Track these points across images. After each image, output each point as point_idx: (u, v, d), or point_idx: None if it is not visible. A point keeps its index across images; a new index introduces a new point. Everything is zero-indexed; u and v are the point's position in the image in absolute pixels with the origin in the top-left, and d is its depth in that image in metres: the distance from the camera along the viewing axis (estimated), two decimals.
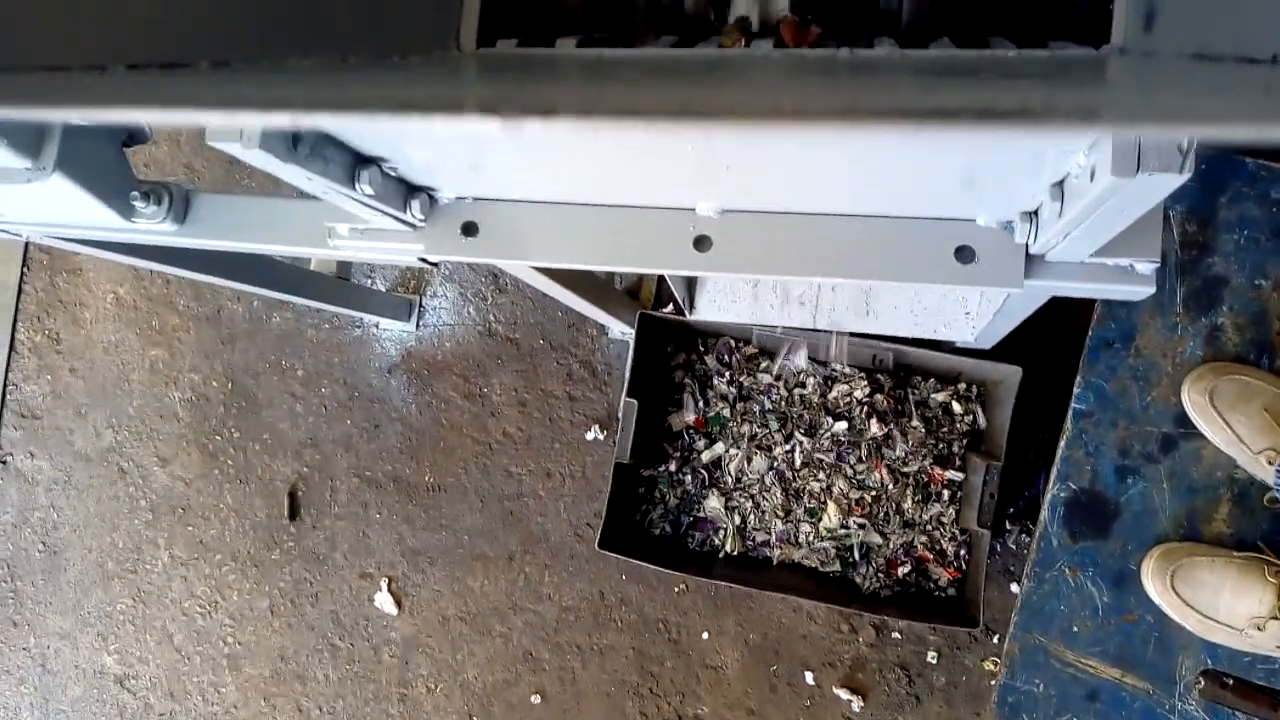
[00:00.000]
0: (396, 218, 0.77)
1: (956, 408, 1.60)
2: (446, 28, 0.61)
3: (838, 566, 1.61)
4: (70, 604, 1.98)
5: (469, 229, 0.78)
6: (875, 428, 1.57)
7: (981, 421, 1.59)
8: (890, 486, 1.58)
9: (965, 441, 1.59)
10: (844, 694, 1.66)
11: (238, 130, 0.50)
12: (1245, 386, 1.23)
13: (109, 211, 0.89)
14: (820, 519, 1.60)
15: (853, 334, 1.49)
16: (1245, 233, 1.27)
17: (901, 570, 1.59)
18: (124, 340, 1.99)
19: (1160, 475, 1.28)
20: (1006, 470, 1.47)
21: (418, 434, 1.86)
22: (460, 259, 0.80)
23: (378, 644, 1.84)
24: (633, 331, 1.58)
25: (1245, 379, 1.23)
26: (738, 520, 1.63)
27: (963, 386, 1.60)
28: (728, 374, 1.66)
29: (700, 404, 1.66)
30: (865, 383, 1.59)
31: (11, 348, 2.03)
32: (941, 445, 1.58)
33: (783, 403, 1.62)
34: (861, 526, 1.58)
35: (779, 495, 1.61)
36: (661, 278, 1.73)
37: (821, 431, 1.60)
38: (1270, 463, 1.20)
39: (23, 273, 2.04)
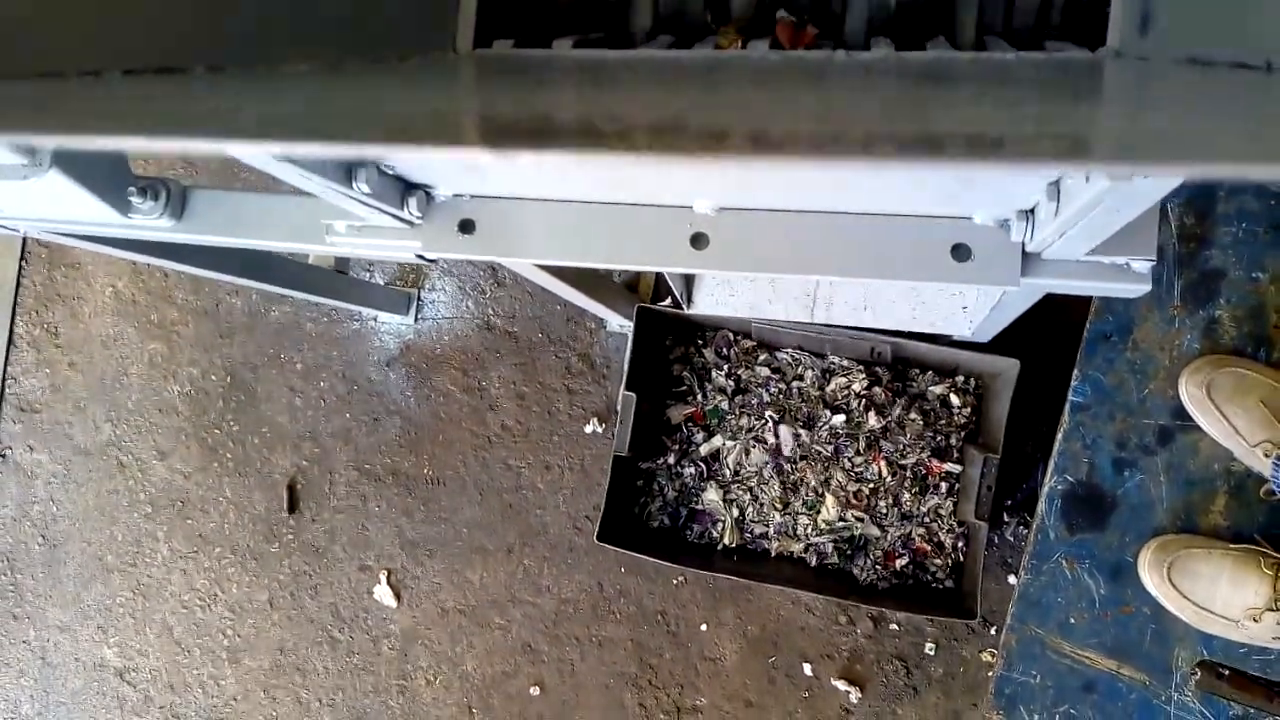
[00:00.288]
0: (394, 215, 0.77)
1: (954, 400, 1.60)
2: (443, 29, 0.61)
3: (836, 559, 1.61)
4: (70, 597, 1.98)
5: (466, 226, 0.78)
6: (873, 420, 1.57)
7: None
8: (888, 479, 1.59)
9: (963, 434, 1.59)
10: (842, 685, 1.67)
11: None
12: (1242, 379, 1.23)
13: (106, 207, 0.89)
14: (818, 511, 1.60)
15: (851, 328, 1.49)
16: (1243, 226, 1.27)
17: (899, 562, 1.59)
18: (123, 334, 1.99)
19: (1157, 468, 1.28)
20: (1004, 463, 1.47)
21: (416, 427, 1.86)
22: (457, 256, 0.80)
23: (377, 636, 1.85)
24: (631, 325, 1.58)
25: (1242, 372, 1.24)
26: (736, 513, 1.64)
27: (961, 379, 1.61)
28: (726, 367, 1.66)
29: (699, 397, 1.66)
30: (863, 375, 1.59)
31: (10, 341, 2.03)
32: (939, 438, 1.58)
33: (781, 395, 1.62)
34: (859, 519, 1.59)
35: (777, 488, 1.61)
36: (660, 272, 1.73)
37: (819, 424, 1.60)
38: (1267, 455, 1.20)
39: (21, 266, 2.03)
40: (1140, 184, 0.46)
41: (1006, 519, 1.64)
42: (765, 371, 1.64)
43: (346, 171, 0.67)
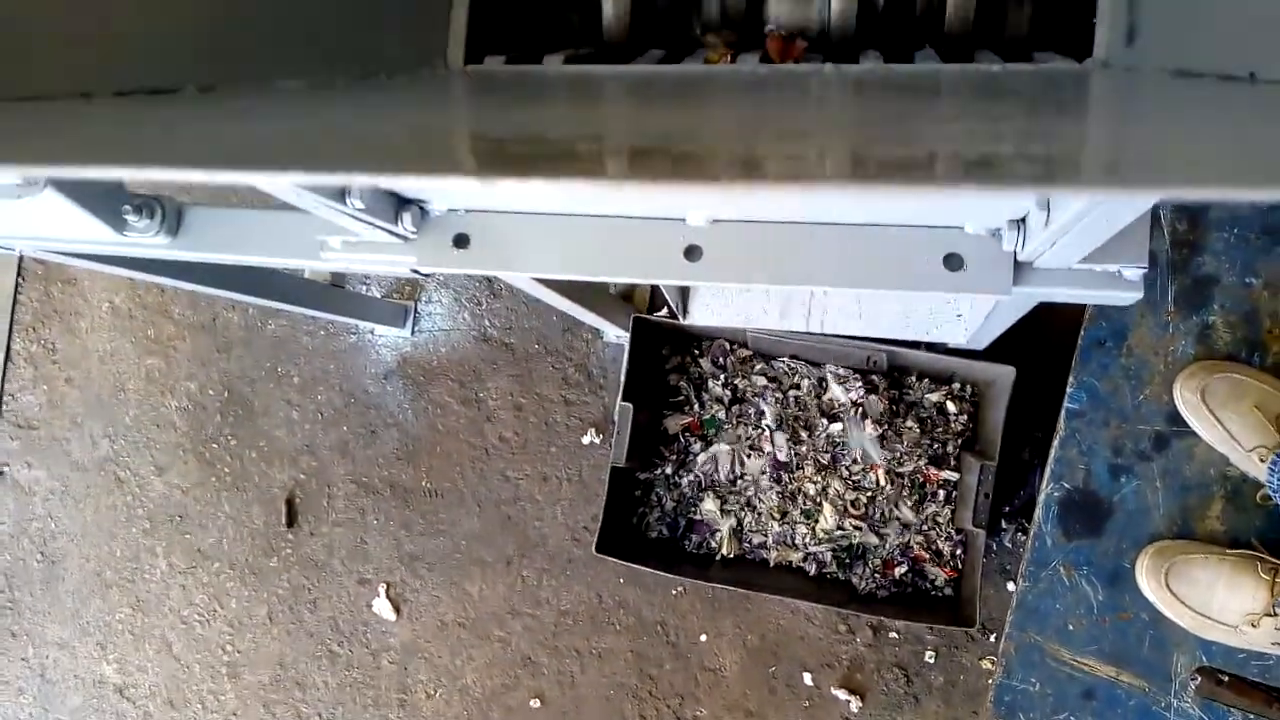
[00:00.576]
0: (388, 231, 0.77)
1: (951, 408, 1.60)
2: (434, 45, 0.62)
3: (834, 568, 1.61)
4: (69, 613, 1.98)
5: (460, 240, 0.78)
6: (870, 429, 1.57)
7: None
8: (886, 487, 1.59)
9: (960, 441, 1.59)
10: (842, 694, 1.67)
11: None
12: (1237, 384, 1.23)
13: (102, 226, 0.89)
14: (816, 520, 1.60)
15: (846, 336, 1.49)
16: (1236, 231, 1.27)
17: (898, 570, 1.59)
18: (120, 349, 1.99)
19: (1153, 474, 1.28)
20: (1001, 470, 1.48)
21: (414, 440, 1.86)
22: (452, 270, 0.80)
23: (377, 650, 1.85)
24: (627, 335, 1.58)
25: (1237, 377, 1.24)
26: (734, 522, 1.64)
27: (957, 387, 1.61)
28: (723, 376, 1.66)
29: (696, 407, 1.66)
30: (860, 384, 1.59)
31: (7, 358, 2.03)
32: (936, 445, 1.59)
33: (777, 404, 1.62)
34: (858, 527, 1.59)
35: (774, 497, 1.61)
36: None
37: (817, 433, 1.60)
38: (1262, 460, 1.21)
39: (18, 283, 2.04)
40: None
41: (1004, 526, 1.64)
42: (762, 381, 1.64)
43: (340, 188, 0.67)
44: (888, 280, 0.73)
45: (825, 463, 1.60)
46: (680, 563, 1.64)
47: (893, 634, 1.67)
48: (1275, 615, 1.19)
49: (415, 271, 0.87)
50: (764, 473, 1.62)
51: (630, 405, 1.56)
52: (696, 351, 1.68)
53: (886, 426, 1.58)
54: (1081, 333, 1.31)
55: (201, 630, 1.92)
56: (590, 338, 1.81)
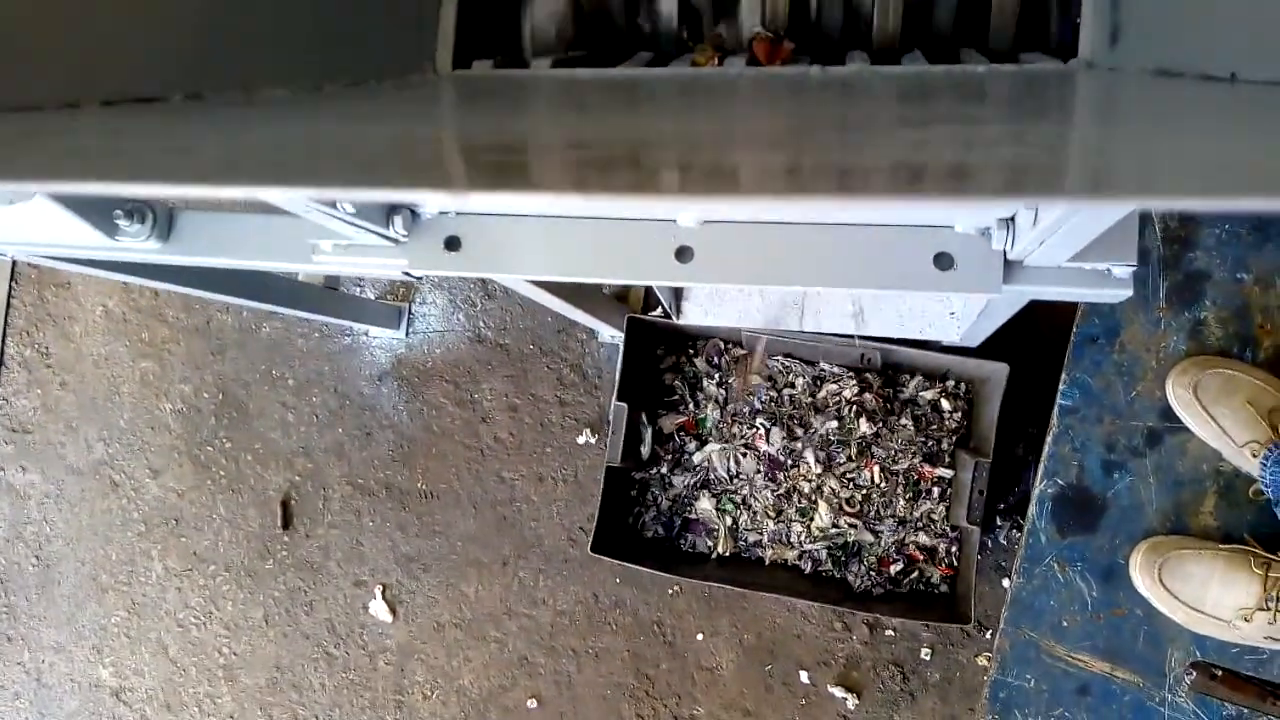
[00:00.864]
0: (379, 234, 0.77)
1: (945, 405, 1.60)
2: (422, 51, 0.62)
3: (830, 565, 1.62)
4: (64, 617, 1.98)
5: (452, 243, 0.78)
6: (865, 426, 1.58)
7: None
8: (881, 485, 1.59)
9: (954, 438, 1.60)
10: (839, 692, 1.67)
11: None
12: (1229, 380, 1.24)
13: (93, 231, 0.89)
14: (812, 518, 1.61)
15: (840, 335, 1.50)
16: (1226, 227, 1.28)
17: (894, 568, 1.59)
18: (114, 353, 1.99)
19: (1146, 469, 1.29)
20: (996, 466, 1.48)
21: (409, 441, 1.86)
22: (443, 273, 0.80)
23: (373, 652, 1.85)
24: (622, 335, 1.58)
25: (1229, 372, 1.24)
26: (729, 521, 1.64)
27: (951, 384, 1.61)
28: (717, 375, 1.66)
29: (690, 406, 1.67)
30: (854, 382, 1.60)
31: (1, 362, 2.02)
32: (931, 443, 1.59)
33: (772, 403, 1.63)
34: (853, 525, 1.59)
35: (769, 495, 1.62)
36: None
37: (811, 431, 1.60)
38: (1254, 455, 1.21)
39: (11, 287, 2.03)
40: (1124, 206, 0.47)
41: (999, 523, 1.64)
42: (756, 379, 1.64)
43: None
44: (878, 280, 0.73)
45: (820, 461, 1.60)
46: (676, 562, 1.64)
47: (889, 631, 1.67)
48: (1269, 610, 1.19)
49: (407, 274, 0.87)
50: (759, 471, 1.62)
51: (625, 405, 1.56)
52: (691, 351, 1.69)
53: (881, 424, 1.58)
54: (1074, 329, 1.31)
55: (198, 633, 1.92)
56: (585, 338, 1.81)
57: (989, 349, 1.46)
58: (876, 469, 1.58)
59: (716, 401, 1.65)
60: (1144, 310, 1.29)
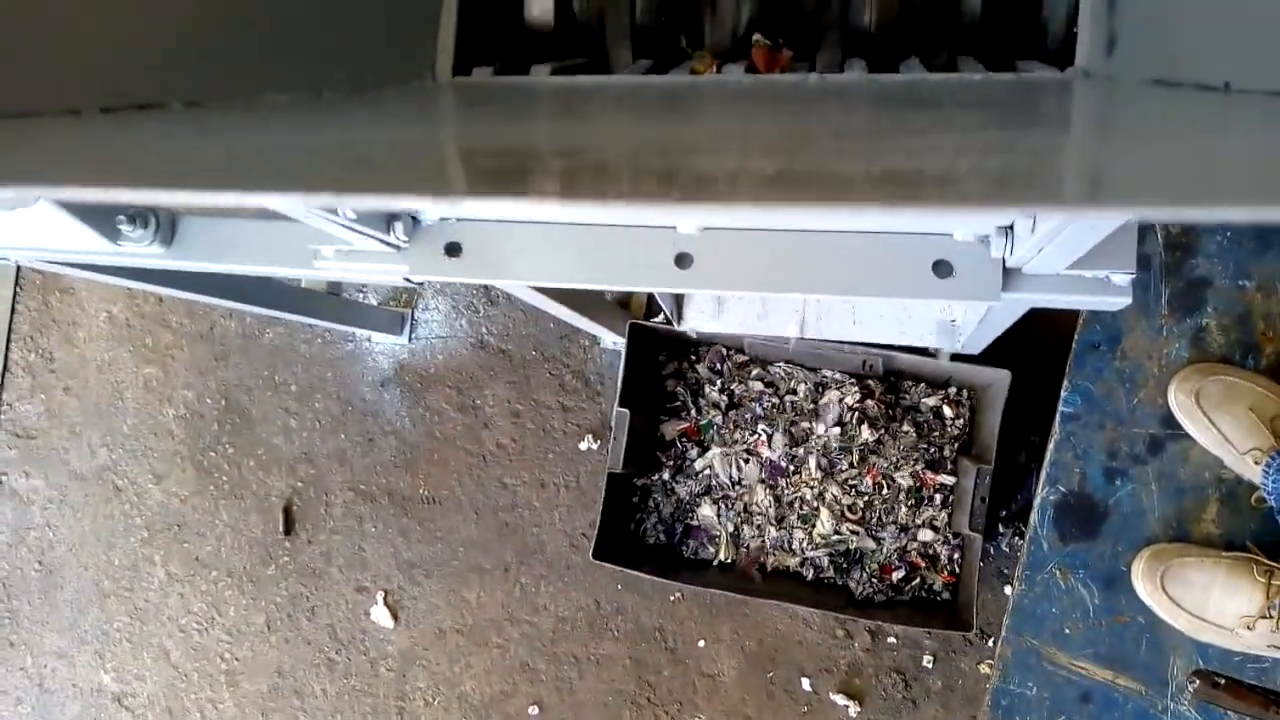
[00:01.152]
0: (380, 240, 0.77)
1: (947, 412, 1.60)
2: (422, 58, 0.62)
3: (832, 573, 1.61)
4: (67, 623, 1.98)
5: (452, 249, 0.78)
6: (866, 433, 1.57)
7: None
8: (883, 491, 1.59)
9: (956, 445, 1.59)
10: (841, 700, 1.67)
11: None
12: (1231, 387, 1.24)
13: (96, 236, 0.90)
14: (813, 525, 1.61)
15: (842, 342, 1.50)
16: (1228, 234, 1.28)
17: (895, 575, 1.59)
18: (117, 358, 1.99)
19: (1148, 477, 1.28)
20: (998, 474, 1.48)
21: (411, 447, 1.86)
22: (444, 279, 0.81)
23: (375, 658, 1.85)
24: (624, 341, 1.58)
25: (1231, 379, 1.24)
26: (731, 528, 1.64)
27: (953, 391, 1.61)
28: (719, 382, 1.66)
29: (693, 412, 1.67)
30: (856, 388, 1.60)
31: (5, 368, 2.03)
32: (933, 449, 1.59)
33: (774, 410, 1.63)
34: (855, 532, 1.59)
35: (771, 502, 1.62)
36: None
37: (813, 438, 1.60)
38: (1256, 462, 1.21)
39: (15, 293, 2.04)
40: (1112, 215, 0.47)
41: (1002, 530, 1.64)
42: (758, 386, 1.64)
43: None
44: (877, 287, 0.73)
45: (822, 467, 1.60)
46: (678, 569, 1.64)
47: (891, 639, 1.67)
48: (1271, 618, 1.19)
49: (408, 280, 0.87)
50: (761, 478, 1.62)
51: (627, 411, 1.56)
52: (693, 357, 1.69)
53: (883, 431, 1.58)
54: (1075, 336, 1.31)
55: (200, 638, 1.92)
56: (587, 344, 1.81)
57: (991, 356, 1.45)
58: (878, 476, 1.58)
59: (718, 407, 1.65)
60: (1146, 317, 1.29)
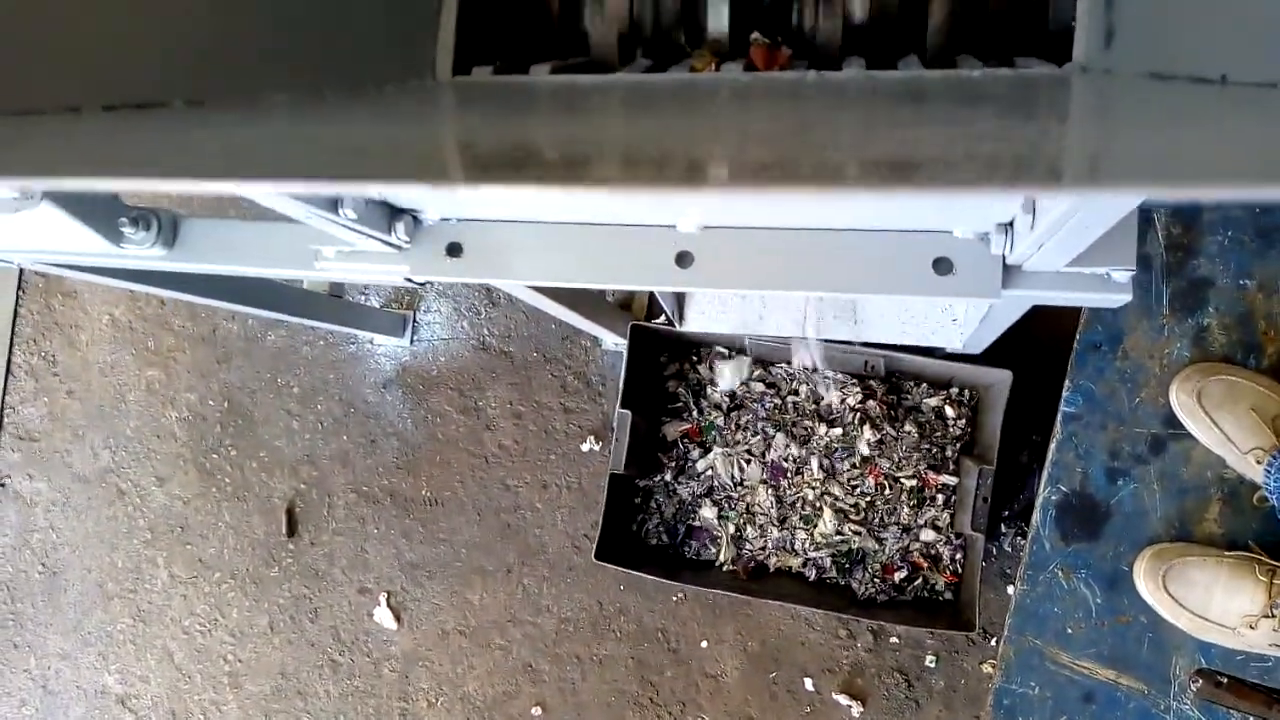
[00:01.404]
0: (381, 240, 0.78)
1: (949, 412, 1.60)
2: (422, 56, 0.62)
3: (834, 573, 1.61)
4: (71, 624, 1.98)
5: (454, 249, 0.79)
6: (868, 433, 1.57)
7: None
8: (885, 492, 1.59)
9: (959, 445, 1.59)
10: (843, 700, 1.67)
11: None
12: (1232, 386, 1.24)
13: (99, 238, 0.90)
14: (816, 526, 1.61)
15: (843, 342, 1.50)
16: (1229, 234, 1.28)
17: (898, 575, 1.59)
18: (120, 361, 2.00)
19: (1150, 476, 1.28)
20: (1000, 473, 1.48)
21: (414, 449, 1.87)
22: (445, 279, 0.81)
23: (378, 659, 1.85)
24: (626, 342, 1.58)
25: (1232, 379, 1.24)
26: (732, 529, 1.64)
27: (955, 391, 1.61)
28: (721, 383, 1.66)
29: (694, 413, 1.67)
30: (858, 389, 1.60)
31: (8, 371, 2.04)
32: (935, 450, 1.59)
33: (776, 410, 1.63)
34: (857, 532, 1.59)
35: (773, 503, 1.62)
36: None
37: (815, 438, 1.60)
38: (1258, 462, 1.21)
39: (18, 296, 2.04)
40: (1108, 197, 0.47)
41: (1004, 530, 1.64)
42: (760, 387, 1.64)
43: (332, 198, 0.68)
44: (878, 285, 0.73)
45: (824, 468, 1.60)
46: (680, 569, 1.64)
47: (893, 639, 1.67)
48: (1273, 617, 1.19)
49: (409, 281, 0.87)
50: (763, 479, 1.62)
51: (629, 413, 1.56)
52: (695, 358, 1.69)
53: (885, 431, 1.58)
54: (1077, 336, 1.31)
55: (203, 640, 1.92)
56: (589, 345, 1.81)
57: (993, 356, 1.45)
58: (881, 476, 1.58)
59: (720, 408, 1.65)
60: (1147, 317, 1.29)
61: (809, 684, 1.69)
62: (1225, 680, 1.23)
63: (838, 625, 1.69)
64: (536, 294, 1.12)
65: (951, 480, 1.58)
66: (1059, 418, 1.31)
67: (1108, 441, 1.30)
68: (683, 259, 0.75)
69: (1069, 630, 1.30)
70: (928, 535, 1.58)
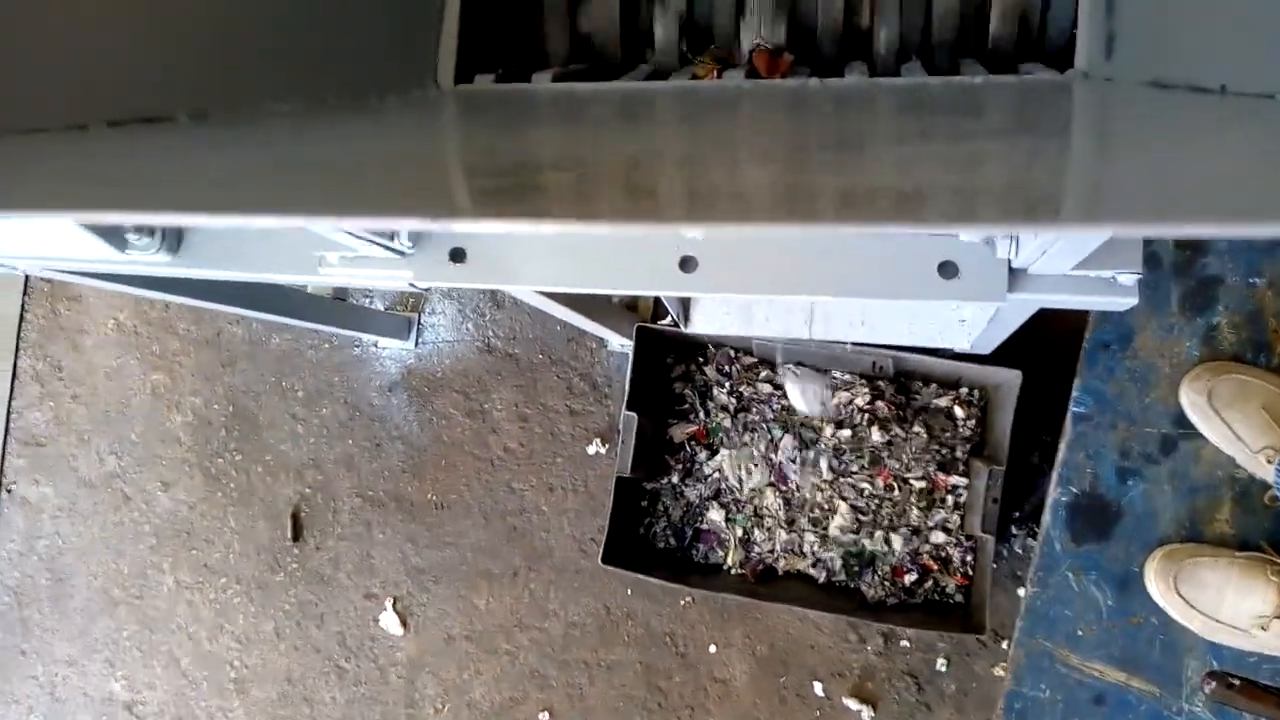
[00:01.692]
0: (385, 246, 0.77)
1: (959, 412, 1.59)
2: (425, 65, 0.62)
3: (844, 575, 1.60)
4: (77, 631, 1.98)
5: (457, 255, 0.78)
6: (877, 434, 1.57)
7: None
8: (894, 493, 1.58)
9: (968, 446, 1.58)
10: (854, 704, 1.66)
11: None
12: (1242, 385, 1.23)
13: (103, 245, 0.90)
14: (824, 528, 1.60)
15: (850, 343, 1.49)
16: None
17: (908, 578, 1.58)
18: (125, 366, 2.00)
19: (1161, 476, 1.27)
20: (1010, 474, 1.47)
21: (419, 452, 1.86)
22: (449, 284, 0.80)
23: (384, 665, 1.84)
24: (632, 344, 1.58)
25: (1242, 378, 1.23)
26: (740, 532, 1.63)
27: (964, 391, 1.60)
28: (728, 384, 1.65)
29: (701, 415, 1.66)
30: (866, 390, 1.59)
31: (14, 376, 2.04)
32: (944, 451, 1.58)
33: (783, 411, 1.62)
34: (867, 534, 1.58)
35: (782, 505, 1.61)
36: None
37: (823, 440, 1.60)
38: (1269, 461, 1.20)
39: (24, 301, 2.05)
40: (1106, 231, 0.46)
41: (1015, 531, 1.63)
42: (767, 388, 1.64)
43: None
44: (884, 289, 0.72)
45: (833, 469, 1.59)
46: (688, 573, 1.63)
47: (904, 642, 1.66)
48: None
49: (413, 286, 0.87)
50: (770, 481, 1.61)
51: (634, 415, 1.55)
52: (701, 359, 1.68)
53: (894, 432, 1.57)
54: (1086, 336, 1.30)
55: (209, 646, 1.92)
56: (595, 347, 1.81)
57: (1002, 355, 1.44)
58: (890, 477, 1.57)
59: (727, 410, 1.65)
60: (1157, 316, 1.28)
61: (819, 688, 1.68)
62: (1238, 682, 1.22)
63: (847, 628, 1.68)
64: (541, 296, 1.11)
65: (961, 481, 1.57)
66: (1068, 418, 1.30)
67: (1118, 441, 1.29)
68: (686, 264, 0.74)
69: (1080, 632, 1.29)
70: (938, 537, 1.57)
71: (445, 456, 1.85)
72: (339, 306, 1.75)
